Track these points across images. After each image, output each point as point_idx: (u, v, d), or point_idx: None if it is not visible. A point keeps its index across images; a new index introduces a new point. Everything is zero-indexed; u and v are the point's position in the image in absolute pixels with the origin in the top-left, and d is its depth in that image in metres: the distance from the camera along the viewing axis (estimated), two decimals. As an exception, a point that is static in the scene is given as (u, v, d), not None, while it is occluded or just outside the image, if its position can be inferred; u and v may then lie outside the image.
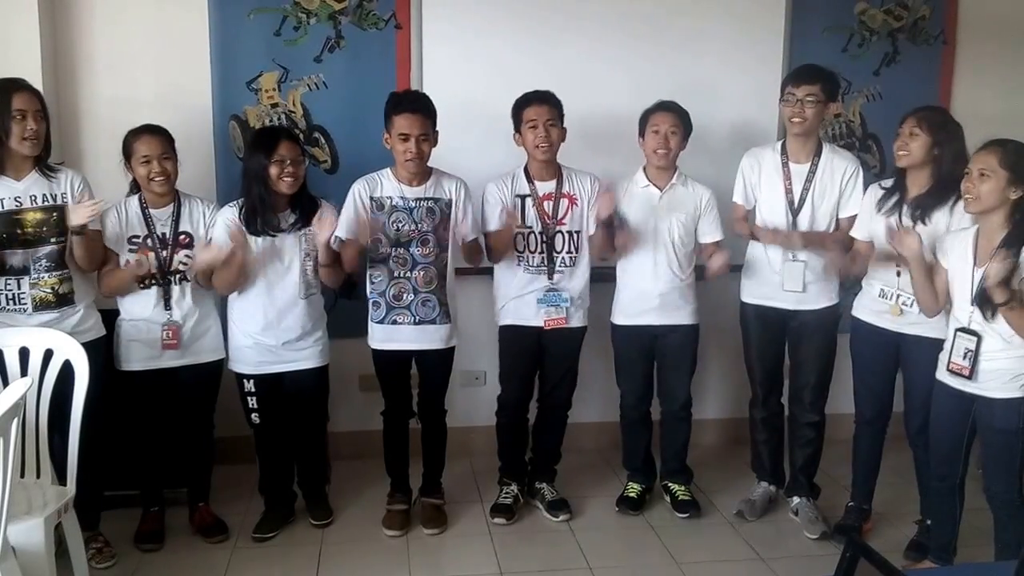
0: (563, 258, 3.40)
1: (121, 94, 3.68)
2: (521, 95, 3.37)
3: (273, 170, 3.11)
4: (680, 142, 3.39)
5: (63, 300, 2.99)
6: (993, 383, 2.74)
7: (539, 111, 3.31)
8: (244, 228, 3.15)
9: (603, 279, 3.57)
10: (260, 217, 3.16)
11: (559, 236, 3.41)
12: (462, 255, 3.37)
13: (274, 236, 3.18)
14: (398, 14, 3.84)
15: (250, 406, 3.31)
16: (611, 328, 3.57)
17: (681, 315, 3.48)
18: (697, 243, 3.50)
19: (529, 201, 3.40)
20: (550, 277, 3.39)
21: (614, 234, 3.37)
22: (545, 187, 3.41)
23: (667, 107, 3.39)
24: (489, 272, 3.55)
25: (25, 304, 2.93)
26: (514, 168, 3.45)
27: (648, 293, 3.44)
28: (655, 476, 3.73)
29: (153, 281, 3.15)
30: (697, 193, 3.46)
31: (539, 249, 3.39)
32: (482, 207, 3.40)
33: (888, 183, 3.21)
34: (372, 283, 3.30)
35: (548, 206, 3.40)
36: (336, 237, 3.19)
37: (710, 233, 3.48)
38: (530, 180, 3.41)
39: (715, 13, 4.00)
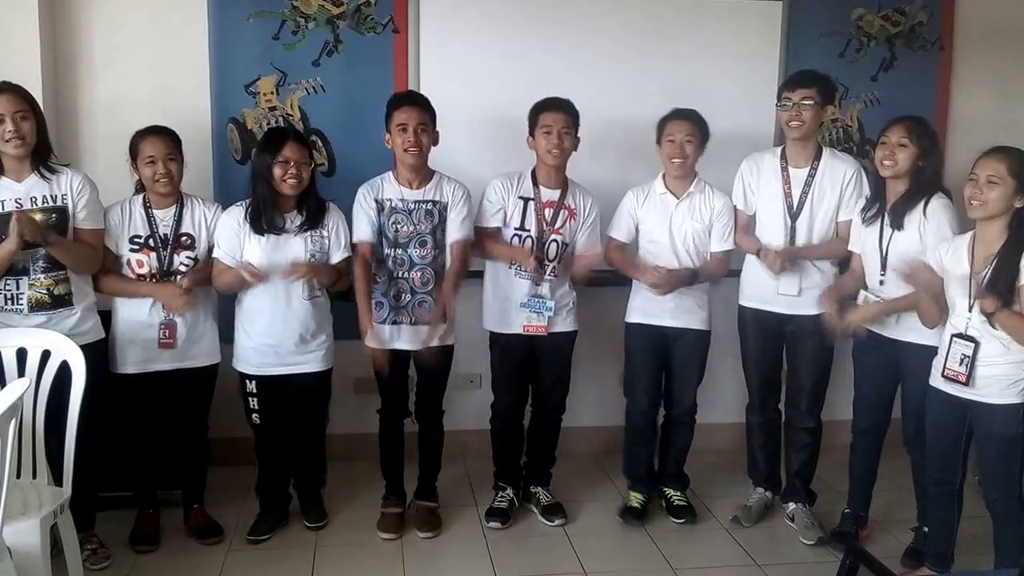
0: (553, 266, 3.41)
1: (120, 96, 3.68)
2: (541, 99, 3.37)
3: (277, 171, 3.13)
4: (696, 150, 3.38)
5: (59, 301, 2.97)
6: (991, 389, 2.73)
7: (555, 118, 3.32)
8: (251, 229, 3.17)
9: (610, 283, 3.58)
10: (265, 217, 3.17)
11: (553, 244, 3.41)
12: (454, 258, 3.32)
13: (279, 236, 3.19)
14: (396, 19, 3.85)
15: (251, 406, 3.31)
16: (625, 327, 3.55)
17: (694, 319, 3.48)
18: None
19: (531, 205, 3.41)
20: (538, 283, 3.40)
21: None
22: (550, 194, 3.42)
23: (683, 115, 3.39)
24: (483, 275, 3.54)
25: (22, 305, 2.93)
26: (522, 169, 3.45)
27: (664, 296, 3.41)
28: (656, 485, 3.71)
29: (153, 282, 3.15)
30: (712, 202, 3.45)
31: (532, 254, 3.38)
32: (481, 200, 3.41)
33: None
34: (375, 284, 3.29)
35: (548, 213, 3.41)
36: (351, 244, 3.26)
37: (716, 242, 3.46)
38: (536, 184, 3.42)
39: (712, 20, 4.02)
